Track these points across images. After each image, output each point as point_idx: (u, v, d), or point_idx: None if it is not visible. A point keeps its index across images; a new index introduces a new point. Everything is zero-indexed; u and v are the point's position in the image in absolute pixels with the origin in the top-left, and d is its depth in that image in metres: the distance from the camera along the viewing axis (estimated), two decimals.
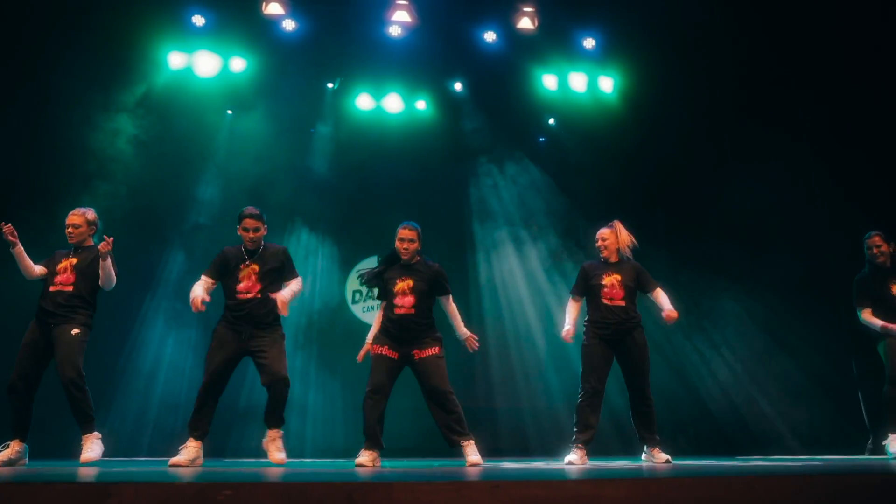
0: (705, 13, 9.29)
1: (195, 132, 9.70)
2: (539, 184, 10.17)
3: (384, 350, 5.51)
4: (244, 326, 5.51)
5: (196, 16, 9.42)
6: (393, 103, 10.34)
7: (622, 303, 5.80)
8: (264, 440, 5.56)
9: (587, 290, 5.94)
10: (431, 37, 9.72)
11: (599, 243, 6.01)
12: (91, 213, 5.91)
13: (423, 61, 9.94)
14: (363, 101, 10.32)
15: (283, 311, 5.44)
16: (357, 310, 10.34)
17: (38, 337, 5.57)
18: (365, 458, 5.28)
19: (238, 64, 9.74)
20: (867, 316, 6.31)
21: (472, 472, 3.80)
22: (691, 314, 9.71)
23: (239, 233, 5.67)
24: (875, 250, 6.30)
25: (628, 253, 5.99)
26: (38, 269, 5.73)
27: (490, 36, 9.96)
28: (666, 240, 9.87)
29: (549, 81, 10.29)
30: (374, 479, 2.75)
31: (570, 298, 6.08)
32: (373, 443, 5.34)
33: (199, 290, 5.47)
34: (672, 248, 9.76)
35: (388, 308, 5.58)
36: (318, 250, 10.19)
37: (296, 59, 9.75)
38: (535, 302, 10.01)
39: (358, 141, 10.20)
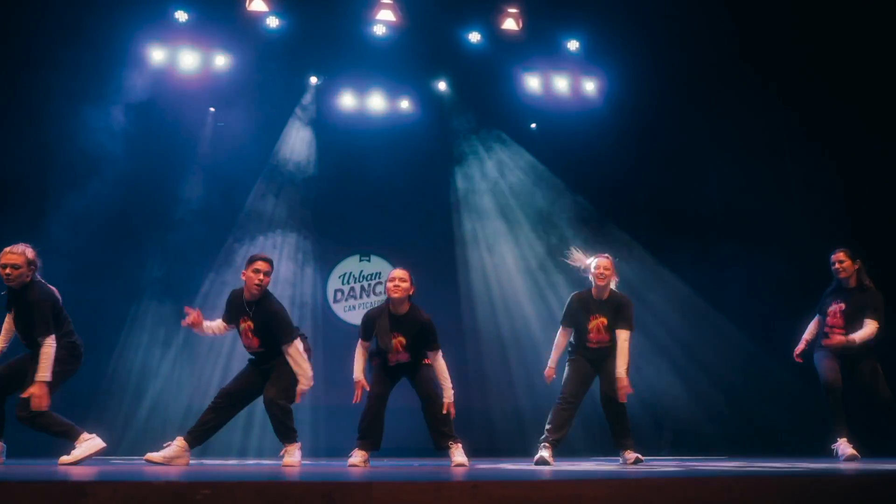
0: (689, 16, 9.34)
1: (176, 128, 9.63)
2: (522, 183, 10.18)
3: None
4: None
5: (178, 11, 9.36)
6: (376, 102, 10.32)
7: (608, 343, 5.89)
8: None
9: (576, 325, 5.97)
10: (416, 36, 9.71)
11: (600, 271, 5.91)
12: (30, 251, 5.30)
13: (407, 61, 9.93)
14: (346, 100, 10.29)
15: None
16: (338, 309, 10.31)
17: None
18: (357, 458, 5.43)
19: (221, 60, 9.68)
20: (811, 324, 6.56)
21: (452, 473, 3.81)
22: (676, 314, 9.77)
23: (248, 275, 5.47)
24: (837, 265, 6.33)
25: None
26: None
27: (474, 36, 9.97)
28: (649, 242, 9.92)
29: (532, 83, 10.31)
30: (353, 479, 2.75)
31: (560, 328, 6.05)
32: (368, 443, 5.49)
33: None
34: (655, 250, 9.81)
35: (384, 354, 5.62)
36: (298, 249, 10.15)
37: (279, 57, 9.71)
38: (524, 299, 10.02)
39: (340, 139, 10.17)
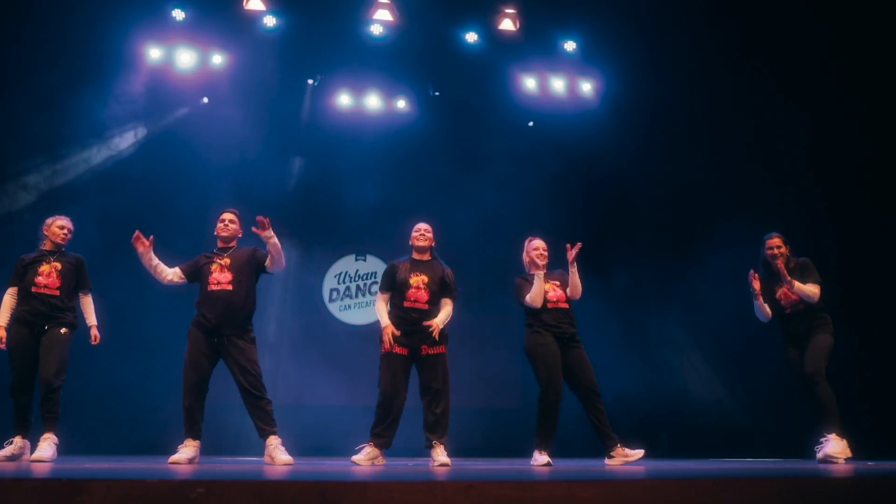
0: (686, 17, 9.36)
1: (170, 126, 9.65)
2: (517, 185, 10.17)
3: (394, 347, 5.57)
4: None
5: (176, 10, 9.36)
6: (373, 102, 10.34)
7: (566, 305, 5.84)
8: (267, 449, 5.53)
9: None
10: (413, 36, 9.73)
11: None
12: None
13: (404, 60, 9.94)
14: (342, 99, 10.30)
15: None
16: (334, 308, 10.32)
17: (27, 338, 5.71)
18: (363, 456, 5.42)
19: (218, 59, 9.69)
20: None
21: (445, 472, 3.81)
22: (670, 313, 9.78)
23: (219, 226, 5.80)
24: (775, 251, 6.22)
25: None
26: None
27: (471, 37, 9.98)
28: (646, 242, 9.93)
29: (529, 83, 10.33)
30: (348, 479, 2.75)
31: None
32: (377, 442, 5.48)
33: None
34: (652, 250, 9.81)
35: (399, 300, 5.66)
36: (294, 248, 10.15)
37: (276, 56, 9.72)
38: (513, 301, 9.99)
39: (336, 139, 10.18)
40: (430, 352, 5.55)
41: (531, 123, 10.66)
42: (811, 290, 6.01)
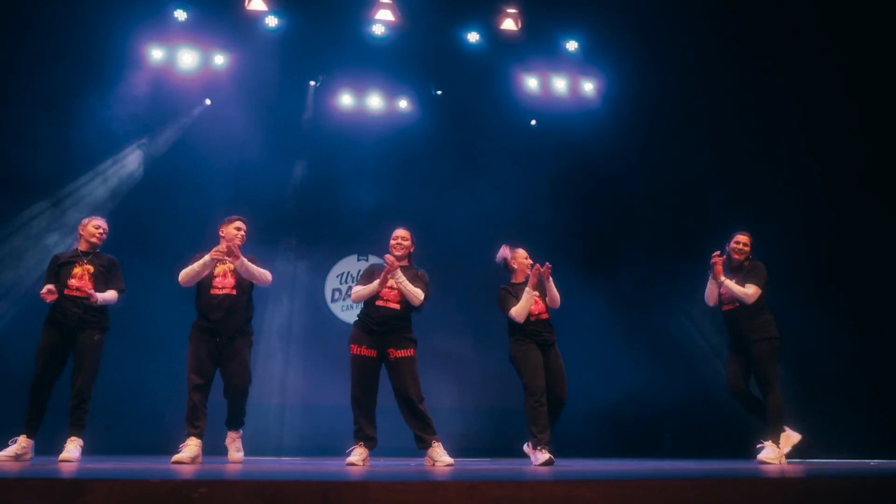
0: (687, 17, 9.35)
1: (172, 127, 9.65)
2: (519, 184, 10.16)
3: (363, 350, 5.62)
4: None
5: (178, 10, 9.37)
6: (374, 102, 10.34)
7: (546, 315, 6.06)
8: (226, 439, 5.83)
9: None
10: (415, 36, 9.73)
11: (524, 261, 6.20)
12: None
13: (406, 60, 9.94)
14: (344, 100, 10.30)
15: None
16: (336, 308, 10.32)
17: (58, 341, 5.74)
18: (356, 457, 5.43)
19: (220, 59, 9.70)
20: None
21: (447, 472, 3.81)
22: (674, 312, 9.76)
23: (230, 231, 5.87)
24: (742, 246, 6.35)
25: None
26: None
27: (473, 37, 9.97)
28: (648, 243, 9.91)
29: (531, 83, 10.33)
30: (349, 479, 2.75)
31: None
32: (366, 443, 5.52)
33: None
34: (654, 251, 9.80)
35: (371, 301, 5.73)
36: (296, 250, 10.15)
37: (278, 56, 9.71)
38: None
39: (338, 139, 10.18)
40: (398, 354, 5.60)
41: (533, 122, 10.65)
42: (745, 290, 6.17)
